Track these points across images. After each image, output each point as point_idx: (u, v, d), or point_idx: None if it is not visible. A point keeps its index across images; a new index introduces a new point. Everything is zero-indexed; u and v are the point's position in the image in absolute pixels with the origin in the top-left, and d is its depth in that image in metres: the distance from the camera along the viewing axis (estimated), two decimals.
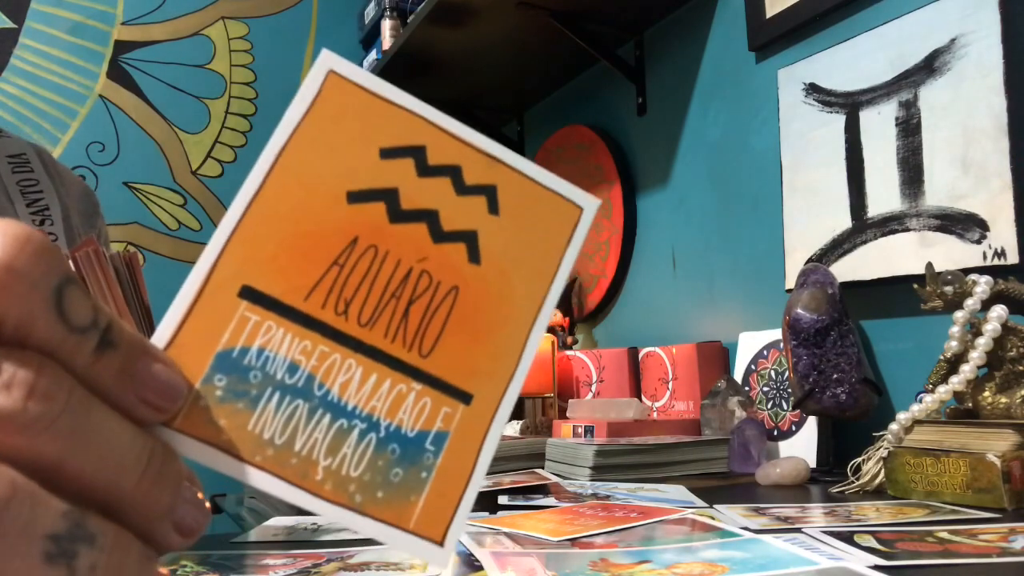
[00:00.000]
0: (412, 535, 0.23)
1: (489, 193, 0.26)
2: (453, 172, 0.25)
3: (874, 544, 0.52)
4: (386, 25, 1.97)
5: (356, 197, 0.24)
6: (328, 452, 0.23)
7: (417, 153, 0.25)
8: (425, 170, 0.25)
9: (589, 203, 0.27)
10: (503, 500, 0.79)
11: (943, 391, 0.75)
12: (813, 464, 0.94)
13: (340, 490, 0.22)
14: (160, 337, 0.22)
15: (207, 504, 0.21)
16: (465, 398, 0.24)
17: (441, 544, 0.23)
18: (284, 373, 0.23)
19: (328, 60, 0.25)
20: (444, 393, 0.24)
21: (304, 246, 0.24)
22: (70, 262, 0.39)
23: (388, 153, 0.25)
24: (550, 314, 0.26)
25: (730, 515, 0.66)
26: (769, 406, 1.08)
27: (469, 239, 0.25)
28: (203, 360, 0.22)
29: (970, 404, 0.75)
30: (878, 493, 0.77)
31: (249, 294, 0.23)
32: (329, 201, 0.24)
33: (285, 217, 0.24)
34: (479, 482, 0.24)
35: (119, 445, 0.19)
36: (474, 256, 0.25)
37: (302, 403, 0.23)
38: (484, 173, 0.26)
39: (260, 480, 0.22)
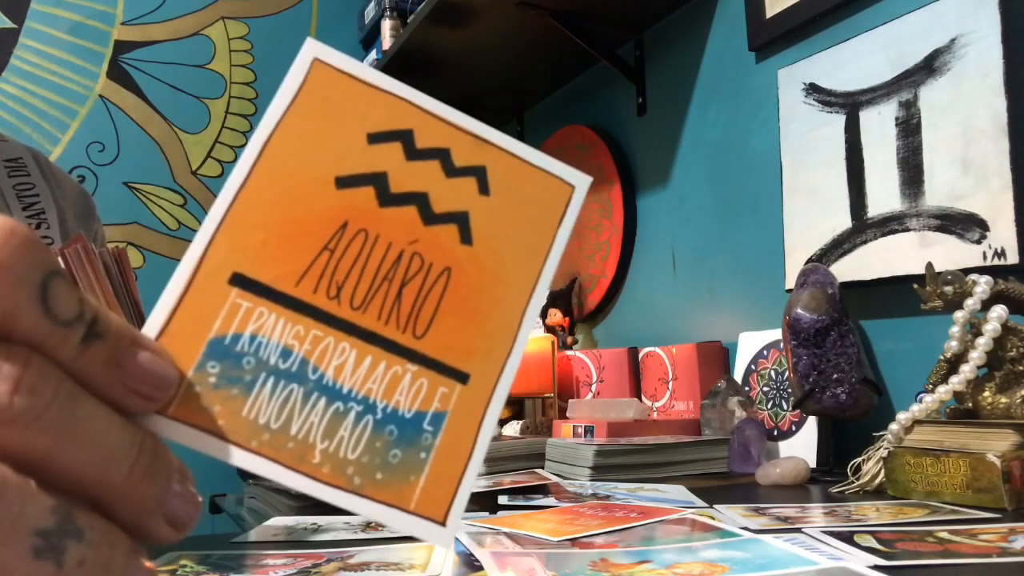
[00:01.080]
0: (413, 515, 0.23)
1: (479, 174, 0.26)
2: (442, 154, 0.25)
3: (874, 544, 0.52)
4: (386, 25, 1.97)
5: (345, 182, 0.24)
6: (325, 435, 0.23)
7: (405, 137, 0.25)
8: (413, 153, 0.25)
9: (580, 181, 0.27)
10: (503, 500, 0.79)
11: (943, 391, 0.75)
12: (813, 464, 0.94)
13: (338, 473, 0.22)
14: (151, 326, 0.22)
15: (199, 497, 0.21)
16: (462, 378, 0.24)
17: (443, 524, 0.23)
18: (277, 358, 0.23)
19: (312, 48, 0.25)
20: (440, 374, 0.24)
21: (293, 232, 0.24)
22: (59, 259, 0.39)
23: (376, 138, 0.25)
24: (545, 293, 0.26)
25: (730, 515, 0.66)
26: (769, 406, 1.08)
27: (460, 220, 0.25)
28: (195, 348, 0.22)
29: (970, 404, 0.75)
30: (878, 493, 0.77)
31: (240, 281, 0.23)
32: (318, 187, 0.24)
33: (274, 204, 0.24)
34: (479, 462, 0.24)
35: (108, 438, 0.19)
36: (466, 237, 0.25)
37: (297, 387, 0.23)
38: (473, 154, 0.26)
39: (256, 465, 0.22)
